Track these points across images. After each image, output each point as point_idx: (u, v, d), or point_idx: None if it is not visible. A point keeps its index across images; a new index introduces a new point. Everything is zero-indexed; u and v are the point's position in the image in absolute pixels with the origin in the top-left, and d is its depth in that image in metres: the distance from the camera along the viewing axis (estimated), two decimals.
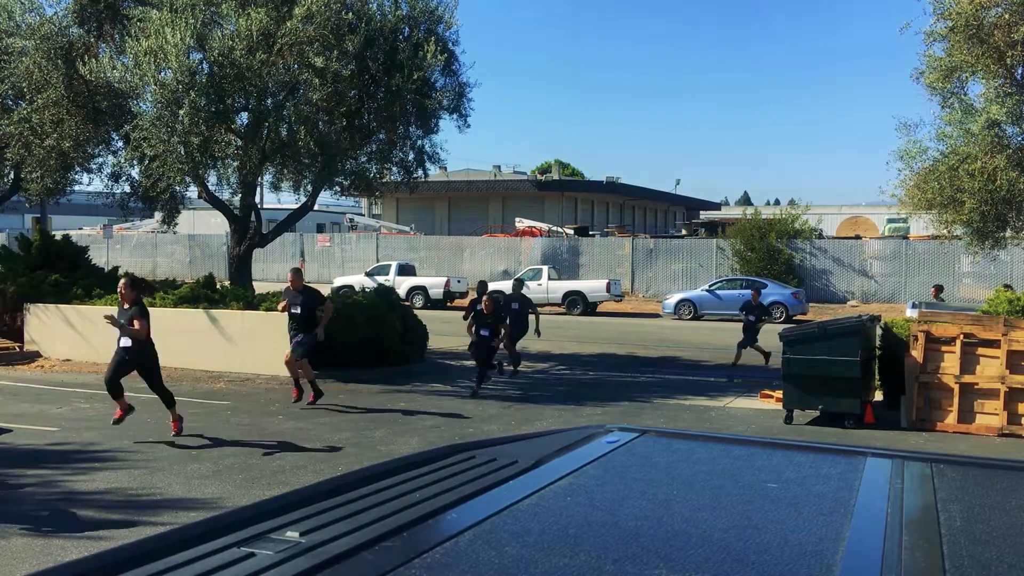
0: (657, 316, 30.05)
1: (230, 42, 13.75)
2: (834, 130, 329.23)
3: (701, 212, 73.30)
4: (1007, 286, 21.78)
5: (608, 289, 30.87)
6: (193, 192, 18.99)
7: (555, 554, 1.50)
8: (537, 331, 15.52)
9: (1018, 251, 27.16)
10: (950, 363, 11.04)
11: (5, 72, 15.98)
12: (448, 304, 32.34)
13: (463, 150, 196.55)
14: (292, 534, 1.54)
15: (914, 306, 20.27)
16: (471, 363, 16.96)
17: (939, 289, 20.81)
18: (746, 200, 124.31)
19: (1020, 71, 13.97)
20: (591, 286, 31.67)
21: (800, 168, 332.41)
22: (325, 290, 24.46)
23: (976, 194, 13.62)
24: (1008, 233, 15.22)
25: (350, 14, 14.55)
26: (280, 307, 12.15)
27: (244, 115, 15.72)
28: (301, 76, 14.69)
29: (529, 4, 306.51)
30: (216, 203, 17.63)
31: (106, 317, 9.50)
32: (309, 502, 1.75)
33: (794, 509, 1.84)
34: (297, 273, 12.02)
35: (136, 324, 9.29)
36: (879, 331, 12.71)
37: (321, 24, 13.96)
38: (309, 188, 17.63)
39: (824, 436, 10.01)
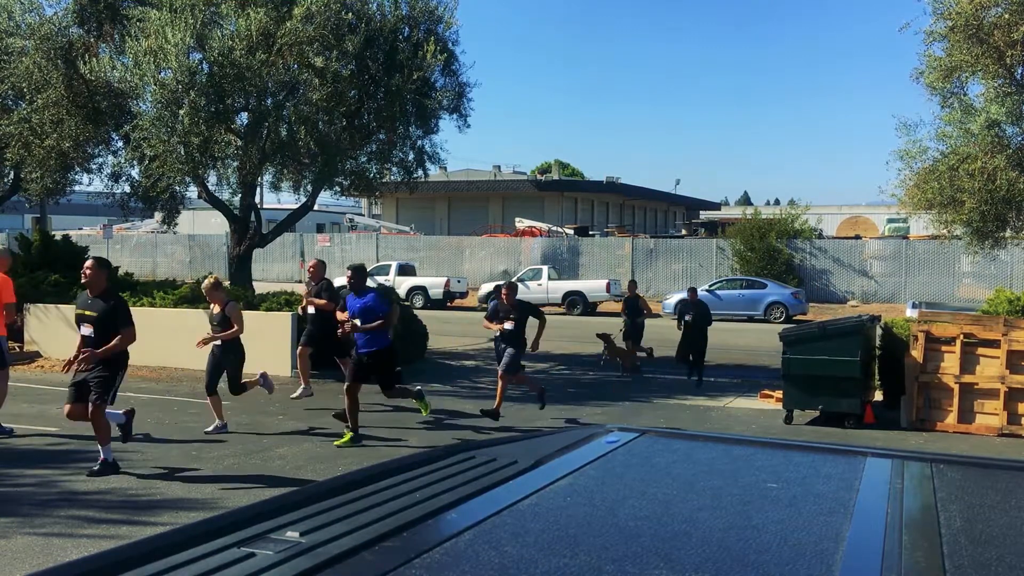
0: (657, 316, 30.03)
1: (230, 42, 13.74)
2: (834, 130, 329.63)
3: (701, 212, 73.32)
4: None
5: (608, 289, 30.87)
6: (193, 192, 18.99)
7: (555, 554, 1.50)
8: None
9: (1018, 251, 27.17)
10: (950, 363, 11.04)
11: (5, 72, 15.97)
12: (448, 304, 32.35)
13: (463, 150, 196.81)
14: (292, 534, 1.54)
15: (914, 306, 20.27)
16: (471, 363, 16.98)
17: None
18: (746, 200, 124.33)
19: (1020, 71, 13.97)
20: (591, 286, 31.70)
21: (800, 168, 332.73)
22: None
23: (976, 194, 13.62)
24: (1008, 233, 15.21)
25: (350, 14, 14.55)
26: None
27: (244, 115, 15.72)
28: (301, 76, 14.69)
29: (529, 4, 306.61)
30: (216, 203, 17.63)
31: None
32: (309, 502, 1.75)
33: (794, 509, 1.84)
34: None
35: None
36: (879, 331, 12.71)
37: (321, 24, 13.95)
38: (309, 188, 17.63)
39: (824, 436, 10.01)
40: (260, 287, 18.25)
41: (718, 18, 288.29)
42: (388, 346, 9.84)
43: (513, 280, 12.26)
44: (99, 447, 8.01)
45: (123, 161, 17.50)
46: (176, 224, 19.80)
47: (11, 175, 19.66)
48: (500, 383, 11.22)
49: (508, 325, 11.30)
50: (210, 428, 10.03)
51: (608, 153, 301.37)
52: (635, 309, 16.57)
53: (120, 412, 8.62)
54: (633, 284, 17.80)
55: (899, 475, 2.12)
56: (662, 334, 20.43)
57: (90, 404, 7.87)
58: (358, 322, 9.62)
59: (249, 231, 17.39)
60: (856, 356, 10.96)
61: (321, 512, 1.68)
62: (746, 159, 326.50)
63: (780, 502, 1.89)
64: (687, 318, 15.10)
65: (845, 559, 1.51)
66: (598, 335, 16.23)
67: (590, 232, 45.15)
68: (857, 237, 44.60)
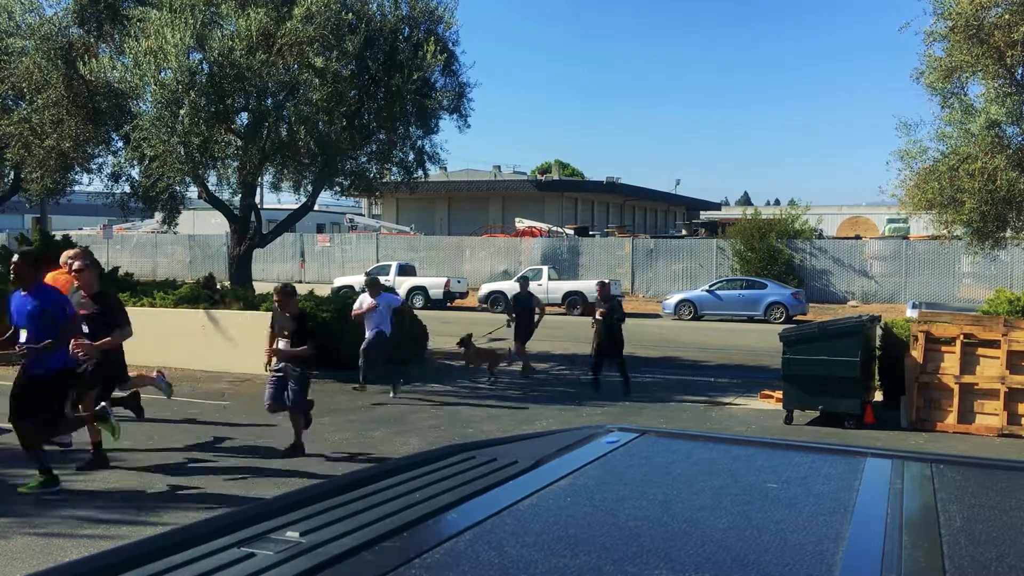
0: (657, 316, 30.05)
1: (230, 42, 13.74)
2: (834, 130, 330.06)
3: (701, 212, 73.35)
4: None
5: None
6: (193, 192, 18.99)
7: (555, 554, 1.50)
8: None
9: (1018, 251, 27.17)
10: (950, 363, 11.04)
11: (5, 72, 15.97)
12: (448, 304, 32.36)
13: (463, 150, 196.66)
14: (292, 534, 1.54)
15: (914, 306, 20.26)
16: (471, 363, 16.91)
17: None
18: (746, 200, 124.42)
19: (1020, 71, 13.97)
20: (591, 286, 31.66)
21: (800, 168, 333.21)
22: (325, 290, 24.49)
23: (976, 194, 13.62)
24: (1008, 233, 15.21)
25: (350, 14, 14.55)
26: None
27: (244, 115, 15.72)
28: (301, 76, 14.69)
29: (529, 4, 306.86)
30: (216, 203, 17.62)
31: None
32: (309, 502, 1.75)
33: (794, 509, 1.84)
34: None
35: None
36: (879, 331, 12.71)
37: (321, 24, 13.95)
38: (309, 188, 17.63)
39: (824, 436, 10.01)
40: (260, 287, 18.24)
41: (718, 18, 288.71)
42: (56, 371, 6.99)
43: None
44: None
45: (123, 161, 17.49)
46: (176, 224, 19.81)
47: (11, 175, 19.67)
48: (292, 424, 8.95)
49: (282, 344, 8.66)
50: None
51: (608, 153, 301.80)
52: (527, 309, 15.48)
53: None
54: (525, 281, 16.32)
55: (899, 475, 2.12)
56: (664, 334, 20.58)
57: None
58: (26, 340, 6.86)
59: (249, 231, 17.40)
60: (856, 356, 10.96)
61: (321, 512, 1.68)
62: (746, 159, 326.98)
63: (780, 502, 1.89)
64: (599, 316, 13.80)
65: (845, 559, 1.51)
66: (457, 343, 14.58)
67: (590, 232, 45.15)
68: (857, 237, 44.61)
